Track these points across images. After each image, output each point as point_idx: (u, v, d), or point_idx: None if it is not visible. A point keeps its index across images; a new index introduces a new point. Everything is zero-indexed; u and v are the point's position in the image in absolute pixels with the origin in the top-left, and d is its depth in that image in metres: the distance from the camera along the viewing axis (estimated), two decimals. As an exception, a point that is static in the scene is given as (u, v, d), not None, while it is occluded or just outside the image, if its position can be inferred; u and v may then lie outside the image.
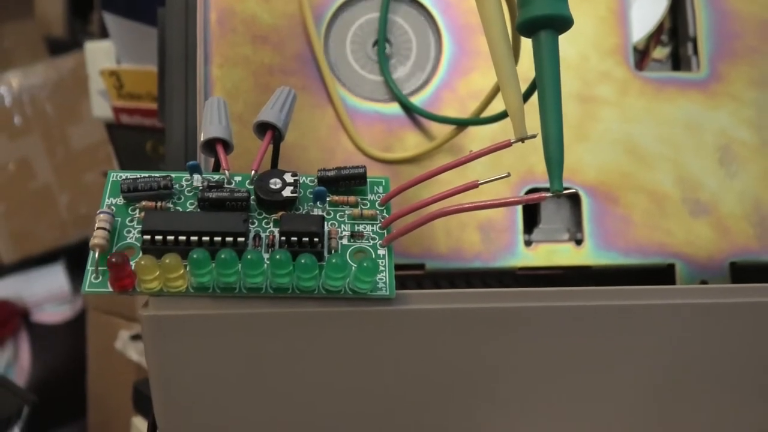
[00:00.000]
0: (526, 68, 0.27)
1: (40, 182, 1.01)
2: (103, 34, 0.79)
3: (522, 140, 0.25)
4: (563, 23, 0.24)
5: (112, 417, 0.81)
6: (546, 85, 0.24)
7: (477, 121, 0.35)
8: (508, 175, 0.25)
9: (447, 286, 0.39)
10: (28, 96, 1.00)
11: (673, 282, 0.37)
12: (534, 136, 0.25)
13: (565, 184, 0.24)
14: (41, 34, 1.11)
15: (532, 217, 0.38)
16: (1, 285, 1.01)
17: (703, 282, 0.37)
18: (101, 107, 0.66)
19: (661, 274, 0.38)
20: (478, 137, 0.37)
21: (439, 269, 0.36)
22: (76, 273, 1.04)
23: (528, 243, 0.37)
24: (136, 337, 0.70)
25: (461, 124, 0.36)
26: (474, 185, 0.25)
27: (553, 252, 0.37)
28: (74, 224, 1.03)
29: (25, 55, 1.10)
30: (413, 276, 0.37)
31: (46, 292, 1.02)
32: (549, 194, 0.24)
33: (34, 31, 1.11)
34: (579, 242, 0.37)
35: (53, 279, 1.03)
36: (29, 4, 1.09)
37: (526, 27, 0.25)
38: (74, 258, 1.05)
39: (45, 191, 1.02)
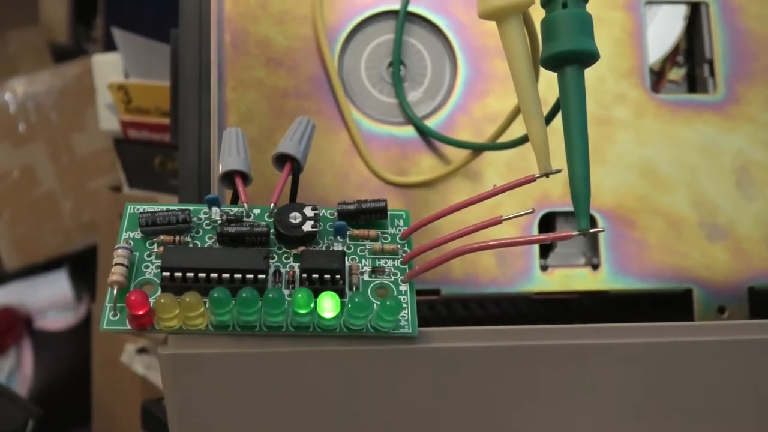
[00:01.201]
0: (544, 89, 0.27)
1: (44, 189, 1.01)
2: (107, 40, 0.79)
3: (547, 175, 0.25)
4: (589, 58, 0.24)
5: (117, 429, 0.81)
6: (572, 120, 0.24)
7: (494, 146, 0.35)
8: (533, 211, 0.25)
9: (460, 309, 0.39)
10: (32, 103, 1.00)
11: (690, 306, 0.37)
12: (559, 171, 0.24)
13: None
14: (45, 40, 1.10)
15: (548, 241, 0.38)
16: (4, 291, 1.01)
17: (721, 307, 0.37)
18: (108, 121, 0.66)
19: (678, 299, 0.37)
20: (494, 162, 0.37)
21: (454, 294, 0.36)
22: (80, 280, 1.04)
23: (544, 268, 0.37)
24: (142, 351, 0.70)
25: (478, 149, 0.35)
26: (498, 221, 0.25)
27: (569, 277, 0.37)
28: (78, 231, 1.03)
29: (30, 61, 1.09)
30: (427, 302, 0.37)
31: (49, 298, 1.02)
32: (576, 233, 0.24)
33: (38, 38, 1.11)
34: (595, 267, 0.37)
35: (56, 286, 1.03)
36: (34, 10, 1.09)
37: (552, 62, 0.24)
38: (78, 265, 1.04)
39: (49, 198, 1.01)
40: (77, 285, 1.03)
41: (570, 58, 0.24)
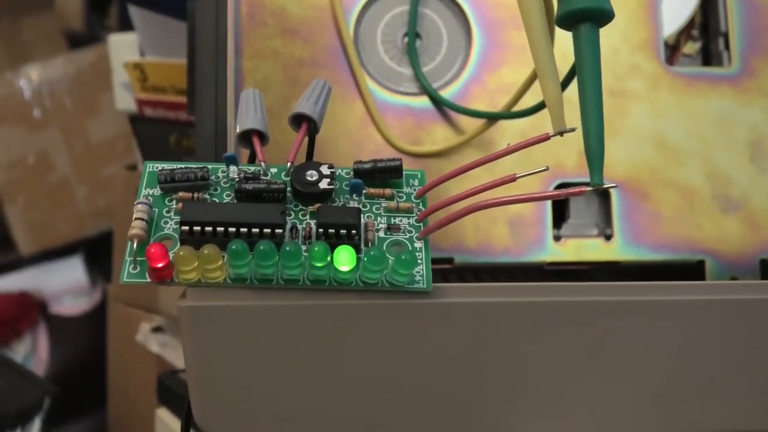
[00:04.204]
0: (558, 60, 0.27)
1: (59, 175, 1.02)
2: (122, 27, 0.79)
3: (561, 134, 0.25)
4: (604, 16, 0.24)
5: (133, 409, 0.82)
6: (586, 78, 0.24)
7: (508, 115, 0.35)
8: (547, 168, 0.25)
9: (473, 280, 0.39)
10: (47, 89, 1.01)
11: (702, 278, 0.37)
12: (573, 130, 0.25)
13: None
14: (60, 27, 1.11)
15: (561, 212, 0.38)
16: (19, 277, 1.02)
17: (733, 278, 0.37)
18: (124, 100, 0.66)
19: (690, 271, 0.37)
20: (508, 131, 0.37)
21: (467, 263, 0.36)
22: (94, 265, 1.05)
23: (557, 238, 0.37)
24: (157, 330, 0.70)
25: (492, 118, 0.35)
26: (512, 179, 0.25)
27: (582, 247, 0.37)
28: (92, 217, 1.04)
29: (45, 48, 1.10)
30: (440, 270, 0.37)
31: (64, 284, 1.02)
32: (589, 188, 0.24)
33: (53, 25, 1.11)
34: (608, 237, 0.37)
35: (71, 271, 1.04)
36: (49, -3, 1.10)
37: (567, 20, 0.24)
38: (92, 250, 1.05)
39: (63, 184, 1.02)
40: (92, 270, 1.04)
41: (584, 15, 0.24)
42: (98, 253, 1.04)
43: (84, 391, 0.93)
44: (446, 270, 0.37)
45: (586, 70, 0.24)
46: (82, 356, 0.98)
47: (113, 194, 0.94)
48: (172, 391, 0.47)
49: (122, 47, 0.64)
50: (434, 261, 0.35)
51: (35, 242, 1.02)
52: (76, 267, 1.04)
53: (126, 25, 0.64)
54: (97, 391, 0.90)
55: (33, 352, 0.98)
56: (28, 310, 0.98)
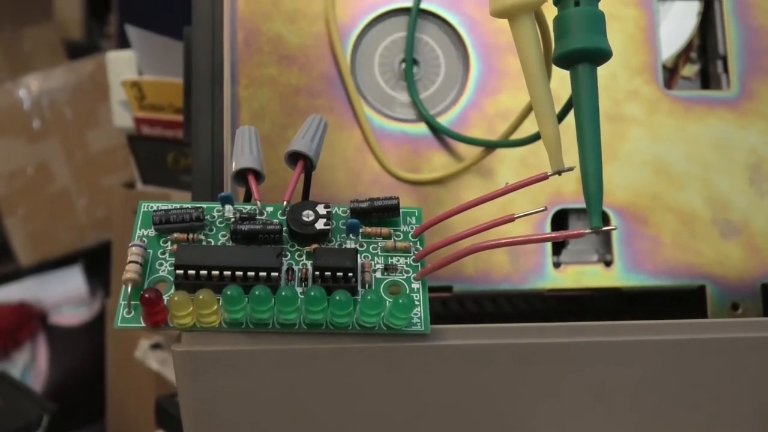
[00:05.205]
0: (556, 86, 0.27)
1: (59, 185, 1.02)
2: (121, 37, 0.79)
3: (559, 173, 0.25)
4: (601, 56, 0.24)
5: (131, 425, 0.81)
6: (584, 118, 0.24)
7: (506, 143, 0.35)
8: (545, 209, 0.25)
9: (473, 306, 0.39)
10: (47, 99, 1.00)
11: (703, 303, 0.37)
12: (571, 169, 0.24)
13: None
14: (60, 37, 1.11)
15: (560, 238, 0.38)
16: (19, 287, 1.01)
17: (735, 304, 0.37)
18: (122, 117, 0.66)
19: (691, 296, 0.37)
20: (507, 159, 0.37)
21: (467, 291, 0.36)
22: (94, 275, 1.04)
23: (557, 265, 0.37)
24: (155, 347, 0.70)
25: (490, 147, 0.35)
26: (510, 219, 0.25)
27: (582, 273, 0.37)
28: (92, 227, 1.03)
29: (44, 58, 1.10)
30: (439, 298, 0.37)
31: (63, 294, 1.02)
32: (588, 231, 0.24)
33: (52, 35, 1.11)
34: (608, 264, 0.37)
35: (71, 281, 1.04)
36: (48, 7, 1.09)
37: (564, 60, 0.24)
38: (92, 261, 1.05)
39: (63, 194, 1.02)
40: (91, 281, 1.04)
41: (582, 56, 0.24)
42: (98, 263, 1.04)
43: (83, 402, 0.93)
44: (446, 298, 0.36)
45: (583, 111, 0.24)
46: (82, 366, 0.97)
47: (113, 205, 0.93)
48: (170, 415, 0.47)
49: (120, 65, 0.64)
50: (433, 290, 0.35)
51: (35, 253, 1.02)
52: (75, 277, 1.04)
53: (125, 41, 0.64)
54: (95, 403, 0.90)
55: (32, 362, 0.97)
56: (28, 320, 0.98)
